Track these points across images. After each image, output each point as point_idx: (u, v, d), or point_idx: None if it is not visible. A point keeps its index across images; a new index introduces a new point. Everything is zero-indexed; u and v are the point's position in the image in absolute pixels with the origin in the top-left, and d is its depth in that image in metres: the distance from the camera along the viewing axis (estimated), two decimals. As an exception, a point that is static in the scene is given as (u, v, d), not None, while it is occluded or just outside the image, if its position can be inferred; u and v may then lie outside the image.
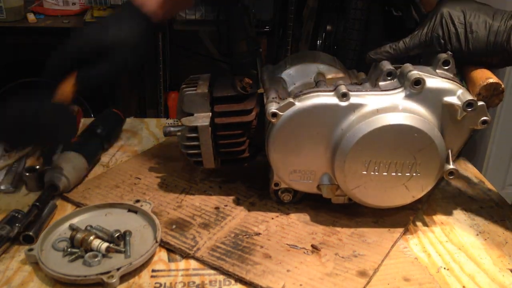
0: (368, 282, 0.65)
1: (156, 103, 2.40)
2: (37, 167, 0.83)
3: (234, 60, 0.84)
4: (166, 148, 0.97)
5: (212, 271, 0.67)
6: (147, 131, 1.06)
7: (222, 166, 0.84)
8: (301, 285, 0.64)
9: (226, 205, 0.80)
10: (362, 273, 0.66)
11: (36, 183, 0.82)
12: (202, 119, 0.78)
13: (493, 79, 0.70)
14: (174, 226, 0.74)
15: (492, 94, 0.70)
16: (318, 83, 0.76)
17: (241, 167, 0.90)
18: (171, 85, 2.51)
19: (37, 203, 0.73)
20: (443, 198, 0.85)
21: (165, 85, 2.40)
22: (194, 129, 0.78)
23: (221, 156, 0.82)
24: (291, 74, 0.81)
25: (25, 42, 2.11)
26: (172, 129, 0.81)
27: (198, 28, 2.39)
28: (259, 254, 0.69)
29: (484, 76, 0.70)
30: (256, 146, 0.81)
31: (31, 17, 1.99)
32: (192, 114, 0.79)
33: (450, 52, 0.73)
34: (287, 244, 0.71)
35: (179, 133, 0.80)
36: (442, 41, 0.72)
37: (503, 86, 0.70)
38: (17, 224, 0.69)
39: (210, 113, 0.78)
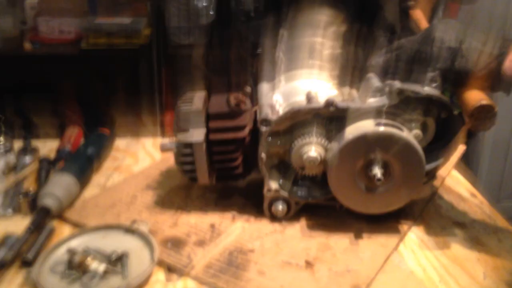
0: (360, 297, 0.65)
1: (152, 123, 2.41)
2: (31, 191, 0.83)
3: (228, 80, 0.87)
4: (162, 167, 0.98)
5: (209, 290, 0.67)
6: (143, 151, 1.07)
7: (217, 182, 0.85)
8: (294, 301, 0.64)
9: (221, 222, 0.81)
10: (356, 288, 0.66)
11: (30, 207, 0.82)
12: (196, 135, 0.80)
13: (486, 100, 0.69)
14: (169, 244, 0.75)
15: (485, 117, 0.70)
16: (310, 100, 0.78)
17: (236, 184, 0.91)
18: (167, 104, 2.52)
19: (30, 227, 0.74)
20: (436, 212, 0.86)
21: (161, 105, 2.41)
22: (189, 145, 0.79)
23: (216, 172, 0.83)
24: (285, 91, 0.83)
25: (21, 69, 2.12)
26: (168, 145, 0.83)
27: (192, 52, 2.41)
28: (253, 270, 0.69)
29: (478, 98, 0.70)
30: (250, 162, 0.82)
31: (27, 45, 2.03)
32: (188, 130, 0.80)
33: (437, 71, 0.74)
34: (281, 260, 0.72)
35: (175, 149, 0.82)
36: (432, 63, 0.74)
37: (496, 109, 0.70)
38: (12, 249, 0.70)
39: (205, 130, 0.80)
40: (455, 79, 0.74)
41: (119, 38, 1.99)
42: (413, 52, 0.76)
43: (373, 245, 0.76)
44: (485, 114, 0.70)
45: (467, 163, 0.98)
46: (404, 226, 0.80)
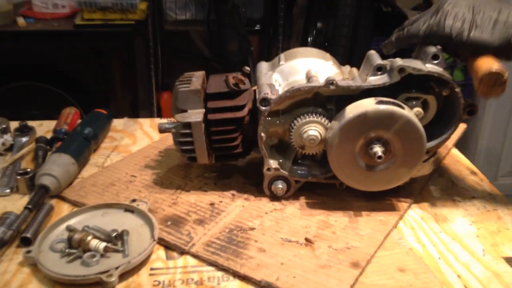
0: (360, 273, 0.66)
1: (149, 104, 2.40)
2: (29, 170, 0.83)
3: (226, 59, 0.86)
4: (161, 147, 0.98)
5: (210, 268, 0.67)
6: (141, 132, 1.07)
7: (217, 162, 0.85)
8: (294, 277, 0.64)
9: (221, 201, 0.81)
10: (355, 265, 0.66)
11: (28, 186, 0.82)
12: (195, 115, 0.79)
13: (496, 67, 0.68)
14: (169, 223, 0.75)
15: (494, 84, 0.69)
16: (310, 79, 0.77)
17: (236, 163, 0.91)
18: (163, 85, 2.51)
19: (29, 206, 0.73)
20: (436, 190, 0.86)
21: (157, 86, 2.39)
22: (188, 125, 0.79)
23: (215, 151, 0.82)
24: (284, 71, 0.82)
25: (15, 47, 2.10)
26: (167, 125, 0.83)
27: (188, 28, 2.39)
28: (253, 248, 0.70)
29: (488, 64, 0.69)
30: (249, 142, 0.82)
31: (20, 21, 1.99)
32: (186, 111, 0.80)
33: (439, 46, 0.74)
34: (281, 238, 0.72)
35: (173, 130, 0.81)
36: (445, 35, 0.72)
37: (506, 76, 0.68)
38: (11, 227, 0.70)
39: (204, 110, 0.80)
40: (469, 50, 0.72)
41: (115, 13, 1.97)
42: (425, 27, 0.75)
43: (373, 222, 0.76)
44: (494, 80, 0.69)
45: (466, 141, 0.98)
46: (403, 204, 0.80)
